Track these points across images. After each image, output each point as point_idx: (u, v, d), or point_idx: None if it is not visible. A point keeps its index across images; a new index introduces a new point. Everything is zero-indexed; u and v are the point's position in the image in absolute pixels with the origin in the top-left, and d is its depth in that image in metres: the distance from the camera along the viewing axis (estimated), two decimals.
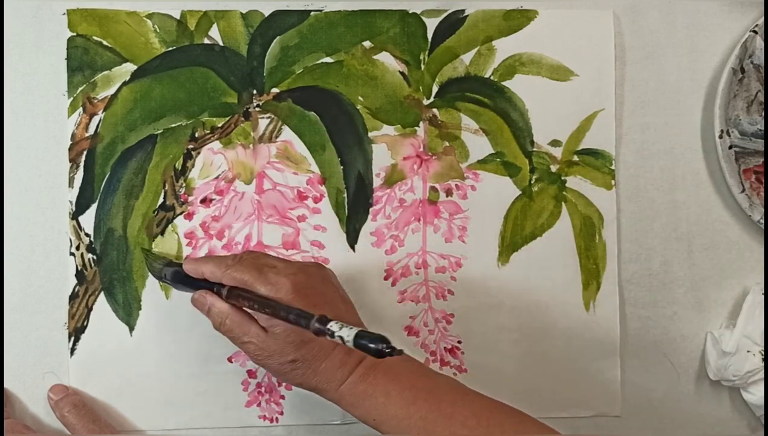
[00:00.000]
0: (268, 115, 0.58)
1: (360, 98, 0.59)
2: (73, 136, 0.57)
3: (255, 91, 0.58)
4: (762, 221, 0.60)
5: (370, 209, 0.59)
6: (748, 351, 0.58)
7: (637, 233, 0.61)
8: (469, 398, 0.49)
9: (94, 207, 0.57)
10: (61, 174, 0.57)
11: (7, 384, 0.56)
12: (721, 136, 0.59)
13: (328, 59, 0.59)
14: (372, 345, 0.40)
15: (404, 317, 0.59)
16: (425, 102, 0.59)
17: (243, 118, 0.58)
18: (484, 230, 0.60)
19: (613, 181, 0.60)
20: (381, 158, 0.59)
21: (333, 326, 0.42)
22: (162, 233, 0.57)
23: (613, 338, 0.60)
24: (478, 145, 0.60)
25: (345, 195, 0.59)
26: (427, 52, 0.59)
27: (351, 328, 0.41)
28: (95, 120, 0.57)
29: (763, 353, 0.58)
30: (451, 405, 0.48)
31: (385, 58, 0.59)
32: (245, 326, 0.49)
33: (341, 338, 0.41)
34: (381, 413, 0.48)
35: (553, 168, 0.60)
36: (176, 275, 0.53)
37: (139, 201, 0.57)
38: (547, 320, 0.60)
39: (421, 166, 0.59)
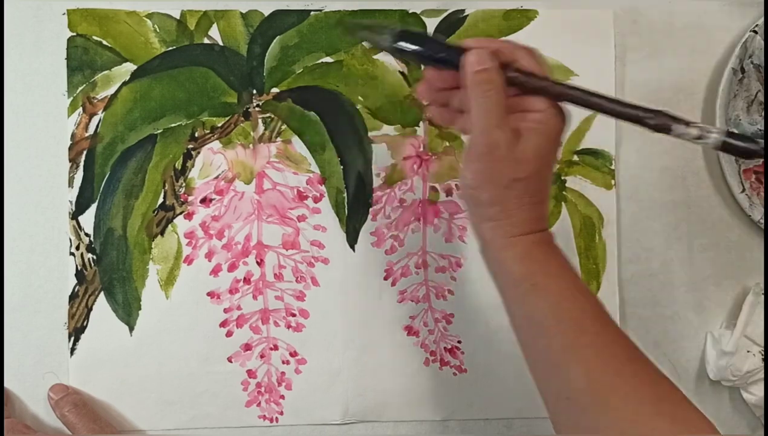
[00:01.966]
0: (268, 115, 0.58)
1: (360, 98, 0.59)
2: (73, 136, 0.57)
3: (255, 91, 0.58)
4: (762, 220, 0.60)
5: (370, 209, 0.59)
6: (748, 351, 0.58)
7: (637, 233, 0.61)
8: (615, 331, 0.44)
9: (93, 207, 0.57)
10: (61, 174, 0.57)
11: (7, 384, 0.56)
12: None
13: (328, 59, 0.59)
14: (743, 144, 0.39)
15: (404, 317, 0.59)
16: (425, 102, 0.59)
17: (243, 118, 0.58)
18: None
19: (613, 181, 0.60)
20: (381, 158, 0.59)
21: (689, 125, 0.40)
22: (162, 232, 0.57)
23: None
24: None
25: (345, 195, 0.59)
26: None
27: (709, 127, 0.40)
28: (95, 120, 0.57)
29: (763, 353, 0.58)
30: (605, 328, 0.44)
31: (385, 58, 0.59)
32: (505, 118, 0.42)
33: (701, 131, 0.40)
34: (547, 282, 0.43)
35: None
36: (425, 41, 0.44)
37: (138, 201, 0.57)
38: None
39: (421, 166, 0.59)
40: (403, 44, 0.44)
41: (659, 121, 0.42)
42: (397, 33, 0.44)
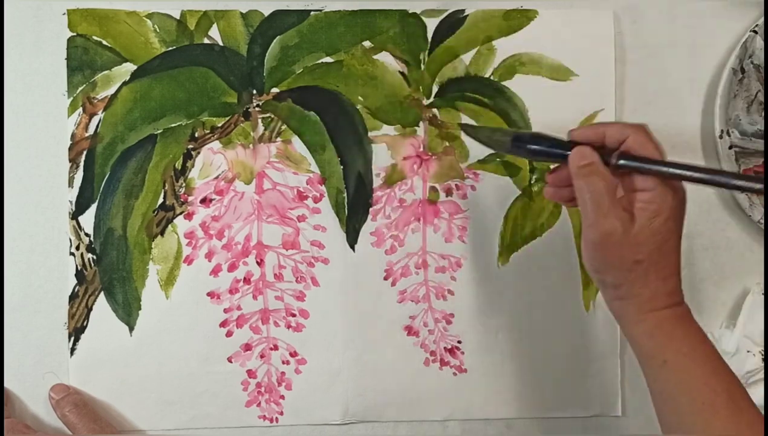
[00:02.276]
0: (268, 115, 0.58)
1: (360, 98, 0.59)
2: (73, 136, 0.57)
3: (255, 91, 0.58)
4: (762, 220, 0.60)
5: (370, 209, 0.59)
6: (748, 351, 0.58)
7: None
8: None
9: (93, 207, 0.57)
10: (61, 174, 0.57)
11: (7, 384, 0.56)
12: (721, 136, 0.59)
13: (328, 59, 0.59)
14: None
15: (404, 317, 0.59)
16: (425, 102, 0.59)
17: (243, 118, 0.58)
18: (484, 230, 0.60)
19: None
20: (381, 158, 0.59)
21: None
22: (162, 233, 0.57)
23: (613, 338, 0.60)
24: (478, 145, 0.59)
25: (345, 195, 0.59)
26: (426, 52, 0.59)
27: None
28: (95, 120, 0.57)
29: (763, 353, 0.58)
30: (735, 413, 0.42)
31: (385, 58, 0.59)
32: (615, 205, 0.42)
33: None
34: (677, 360, 0.43)
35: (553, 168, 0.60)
36: (537, 140, 0.47)
37: (138, 201, 0.57)
38: (547, 320, 0.60)
39: (421, 166, 0.59)
40: (518, 145, 0.48)
41: None
42: (513, 136, 0.49)
